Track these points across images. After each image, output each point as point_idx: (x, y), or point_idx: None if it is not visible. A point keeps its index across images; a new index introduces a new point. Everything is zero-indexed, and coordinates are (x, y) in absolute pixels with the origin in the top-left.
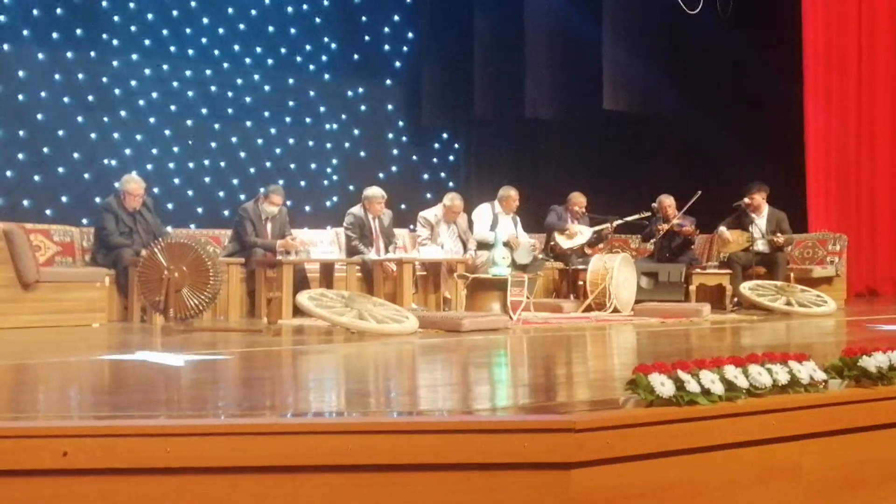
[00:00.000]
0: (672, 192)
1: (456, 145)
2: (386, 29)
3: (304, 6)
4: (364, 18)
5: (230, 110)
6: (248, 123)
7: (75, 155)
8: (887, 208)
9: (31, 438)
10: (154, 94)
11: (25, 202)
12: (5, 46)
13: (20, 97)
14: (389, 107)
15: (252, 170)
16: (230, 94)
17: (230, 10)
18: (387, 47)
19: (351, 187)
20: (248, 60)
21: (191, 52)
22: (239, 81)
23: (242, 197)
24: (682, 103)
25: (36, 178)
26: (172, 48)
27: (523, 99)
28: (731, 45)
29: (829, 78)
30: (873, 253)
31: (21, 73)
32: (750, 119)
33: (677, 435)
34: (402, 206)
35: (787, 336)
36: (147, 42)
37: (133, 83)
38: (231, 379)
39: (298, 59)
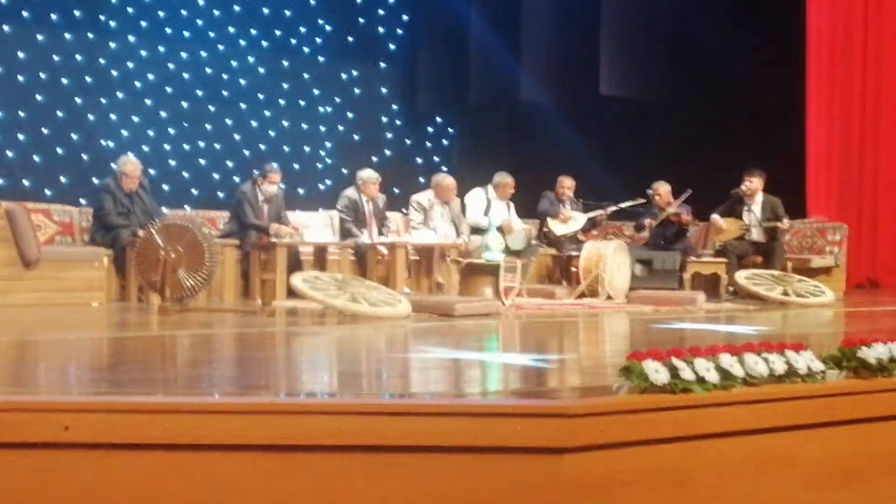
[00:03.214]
0: (669, 178)
1: (450, 129)
2: (381, 11)
3: None
4: (359, 1)
5: (225, 93)
6: (243, 106)
7: (73, 136)
8: (889, 198)
9: (35, 412)
10: (150, 76)
11: (26, 182)
12: (6, 28)
13: (20, 78)
14: (384, 90)
15: (246, 152)
16: (225, 76)
17: None
18: (381, 30)
19: (344, 170)
20: (242, 43)
21: (186, 34)
22: (234, 64)
23: (237, 179)
24: (680, 89)
25: (36, 158)
26: (168, 30)
27: (519, 83)
28: (732, 30)
29: (832, 64)
30: (874, 243)
31: (21, 55)
32: (749, 106)
33: (671, 422)
34: (396, 190)
35: (783, 326)
36: (144, 24)
37: (130, 65)
38: (226, 359)
39: (293, 41)
